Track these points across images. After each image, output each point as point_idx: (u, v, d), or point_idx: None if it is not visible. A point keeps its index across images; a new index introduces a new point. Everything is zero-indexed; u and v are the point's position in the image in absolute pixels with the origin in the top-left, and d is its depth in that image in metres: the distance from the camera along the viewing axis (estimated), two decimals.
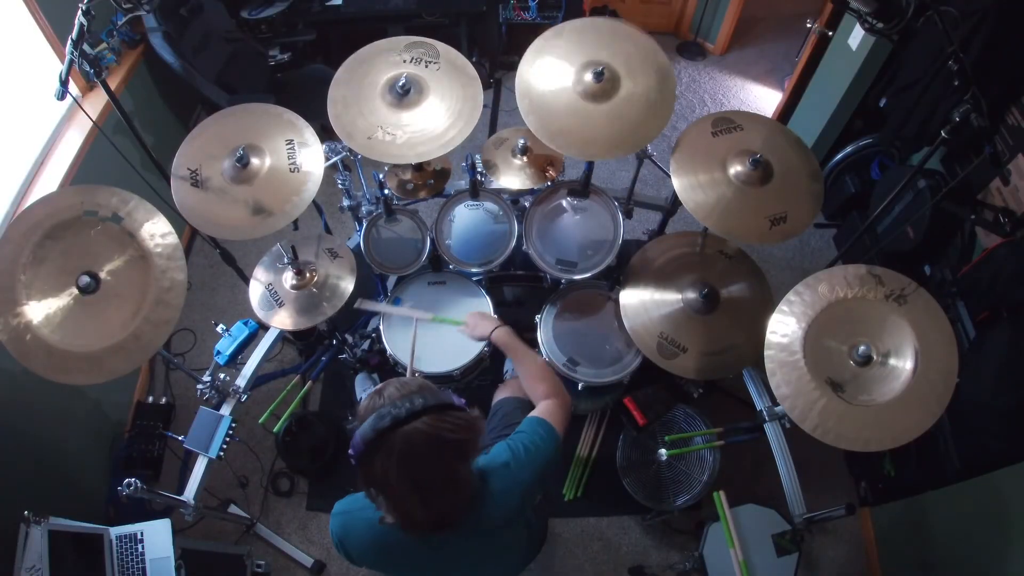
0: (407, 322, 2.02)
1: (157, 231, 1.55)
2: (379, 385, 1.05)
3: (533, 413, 1.27)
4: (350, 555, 1.16)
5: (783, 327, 1.60)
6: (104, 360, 1.47)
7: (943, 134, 1.45)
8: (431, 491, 0.98)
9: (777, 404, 1.78)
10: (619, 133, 1.70)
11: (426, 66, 1.79)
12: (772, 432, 1.80)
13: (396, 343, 1.98)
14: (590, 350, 2.03)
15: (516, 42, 3.62)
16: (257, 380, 1.99)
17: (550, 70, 1.75)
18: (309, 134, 1.73)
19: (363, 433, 0.95)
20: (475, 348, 1.96)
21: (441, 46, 1.82)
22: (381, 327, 2.01)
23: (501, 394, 1.91)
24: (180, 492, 1.72)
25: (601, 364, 2.01)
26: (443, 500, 1.00)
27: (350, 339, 2.31)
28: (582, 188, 2.07)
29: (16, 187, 2.09)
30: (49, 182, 2.13)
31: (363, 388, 2.38)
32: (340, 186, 2.08)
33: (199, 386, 1.80)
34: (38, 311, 1.46)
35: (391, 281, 2.33)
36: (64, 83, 1.54)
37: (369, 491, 1.00)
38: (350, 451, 0.97)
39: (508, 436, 1.65)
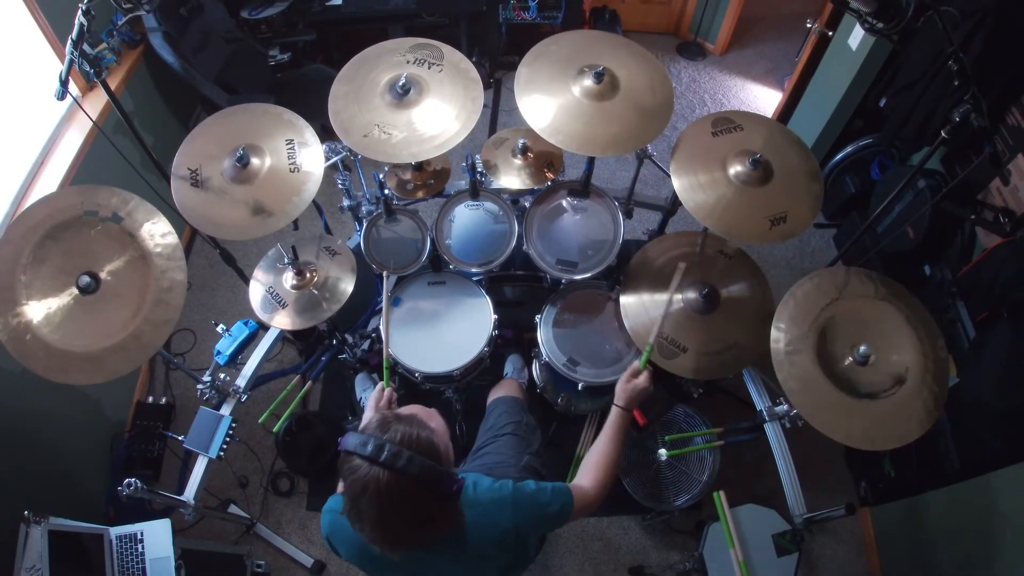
0: (407, 323, 2.02)
1: (157, 231, 1.55)
2: (404, 410, 1.04)
3: (574, 482, 1.26)
4: (338, 553, 1.17)
5: (784, 327, 1.60)
6: (104, 360, 1.47)
7: (943, 134, 1.45)
8: (365, 520, 0.96)
9: (777, 404, 1.78)
10: (620, 132, 1.70)
11: (428, 67, 1.79)
12: (772, 432, 1.80)
13: (396, 343, 1.98)
14: (590, 350, 2.03)
15: (516, 42, 3.62)
16: (257, 380, 1.99)
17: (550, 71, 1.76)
18: (309, 134, 1.73)
19: (347, 441, 0.96)
20: (475, 348, 1.96)
21: (446, 49, 1.82)
22: (381, 327, 2.01)
23: (496, 393, 1.91)
24: (180, 492, 1.72)
25: (601, 364, 2.01)
26: (377, 533, 0.98)
27: (350, 339, 2.31)
28: (582, 188, 2.07)
29: (16, 187, 2.09)
30: (49, 182, 2.13)
31: (363, 388, 2.38)
32: (340, 186, 2.09)
33: (199, 386, 1.80)
34: (38, 311, 1.46)
35: (391, 281, 2.33)
36: (64, 83, 1.54)
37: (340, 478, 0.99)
38: (339, 440, 0.98)
39: (507, 435, 1.66)
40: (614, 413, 1.37)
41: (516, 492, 1.16)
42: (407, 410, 1.05)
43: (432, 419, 1.06)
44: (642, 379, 1.40)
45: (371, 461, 0.93)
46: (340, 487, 1.31)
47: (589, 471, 1.29)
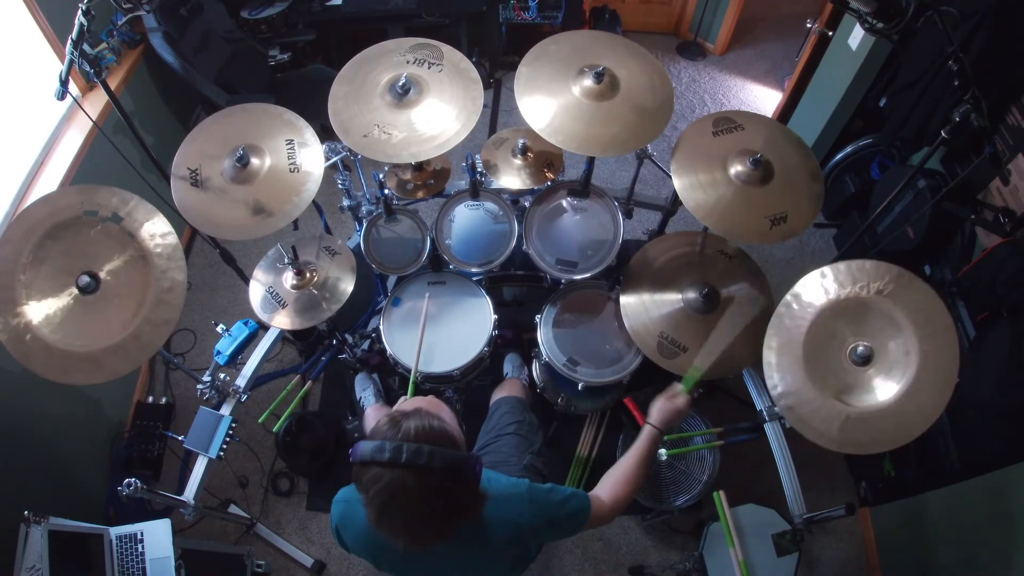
0: (407, 323, 2.02)
1: (157, 231, 1.55)
2: (408, 404, 1.02)
3: (592, 492, 1.25)
4: (345, 544, 1.17)
5: (782, 330, 1.59)
6: (104, 360, 1.47)
7: (943, 134, 1.46)
8: (397, 525, 0.95)
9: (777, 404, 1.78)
10: (620, 132, 1.70)
11: (428, 67, 1.79)
12: (772, 432, 1.80)
13: (396, 343, 1.98)
14: (590, 350, 2.03)
15: (516, 42, 3.62)
16: (257, 380, 1.99)
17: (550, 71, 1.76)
18: (309, 134, 1.73)
19: (362, 451, 0.93)
20: (475, 348, 1.96)
21: (446, 48, 1.82)
22: (381, 327, 2.01)
23: (499, 393, 1.91)
24: (180, 492, 1.72)
25: (601, 364, 2.01)
26: (411, 536, 0.97)
27: (350, 339, 2.31)
28: (582, 188, 2.07)
29: (16, 187, 2.09)
30: (49, 182, 2.13)
31: (363, 388, 2.39)
32: (340, 186, 2.08)
33: (199, 386, 1.80)
34: (38, 311, 1.46)
35: (391, 281, 2.33)
36: (64, 83, 1.55)
37: (359, 493, 0.98)
38: (350, 452, 0.96)
39: (510, 434, 1.66)
40: (646, 432, 1.34)
41: (532, 489, 1.16)
42: (410, 404, 1.04)
43: (436, 407, 1.05)
44: (682, 401, 1.38)
45: (392, 465, 0.90)
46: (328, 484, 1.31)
47: (610, 485, 1.28)
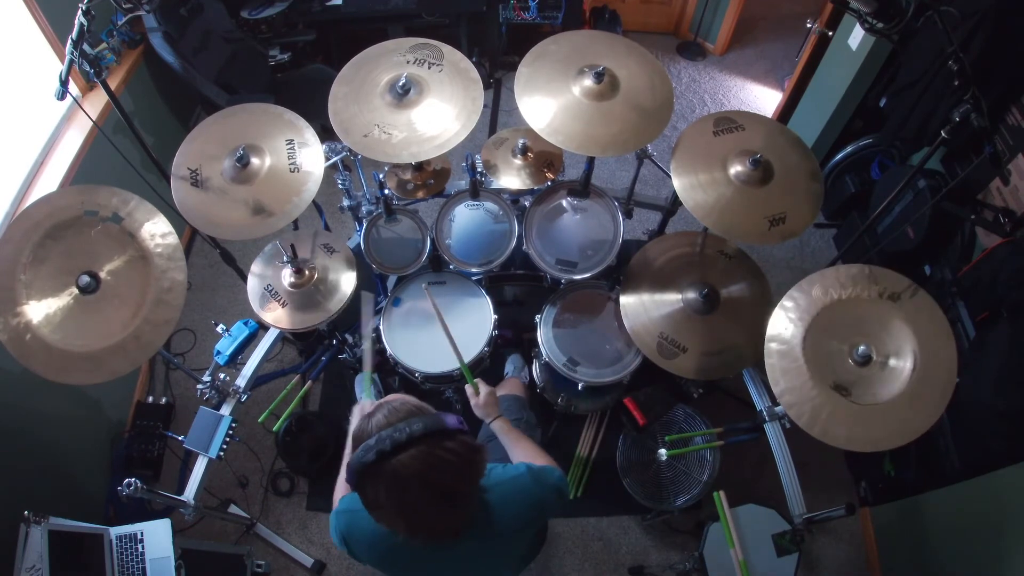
0: (407, 323, 2.02)
1: (157, 231, 1.55)
2: (372, 406, 1.03)
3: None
4: (354, 553, 1.16)
5: (782, 332, 1.59)
6: (104, 360, 1.47)
7: (943, 134, 1.46)
8: (421, 516, 0.95)
9: (777, 404, 1.78)
10: (620, 132, 1.70)
11: (428, 67, 1.79)
12: (772, 432, 1.80)
13: (396, 343, 1.98)
14: (590, 350, 2.03)
15: (516, 42, 3.62)
16: (257, 380, 1.99)
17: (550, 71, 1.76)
18: (309, 134, 1.73)
19: (351, 464, 0.94)
20: (475, 348, 1.96)
21: (446, 48, 1.83)
22: (381, 327, 2.01)
23: (499, 392, 1.91)
24: (180, 492, 1.72)
25: (601, 364, 2.01)
26: (436, 522, 0.97)
27: (350, 339, 2.31)
28: (582, 188, 2.07)
29: (16, 187, 2.09)
30: (49, 182, 2.13)
31: (363, 388, 2.38)
32: (340, 186, 2.09)
33: (199, 386, 1.80)
34: (38, 311, 1.46)
35: (391, 281, 2.33)
36: (64, 83, 1.54)
37: (378, 518, 0.98)
38: (345, 476, 0.97)
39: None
40: (494, 428, 1.40)
41: (531, 468, 1.17)
42: (369, 407, 1.05)
43: (390, 401, 1.05)
44: (482, 395, 1.42)
45: (384, 459, 0.91)
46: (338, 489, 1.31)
47: (533, 458, 1.30)
